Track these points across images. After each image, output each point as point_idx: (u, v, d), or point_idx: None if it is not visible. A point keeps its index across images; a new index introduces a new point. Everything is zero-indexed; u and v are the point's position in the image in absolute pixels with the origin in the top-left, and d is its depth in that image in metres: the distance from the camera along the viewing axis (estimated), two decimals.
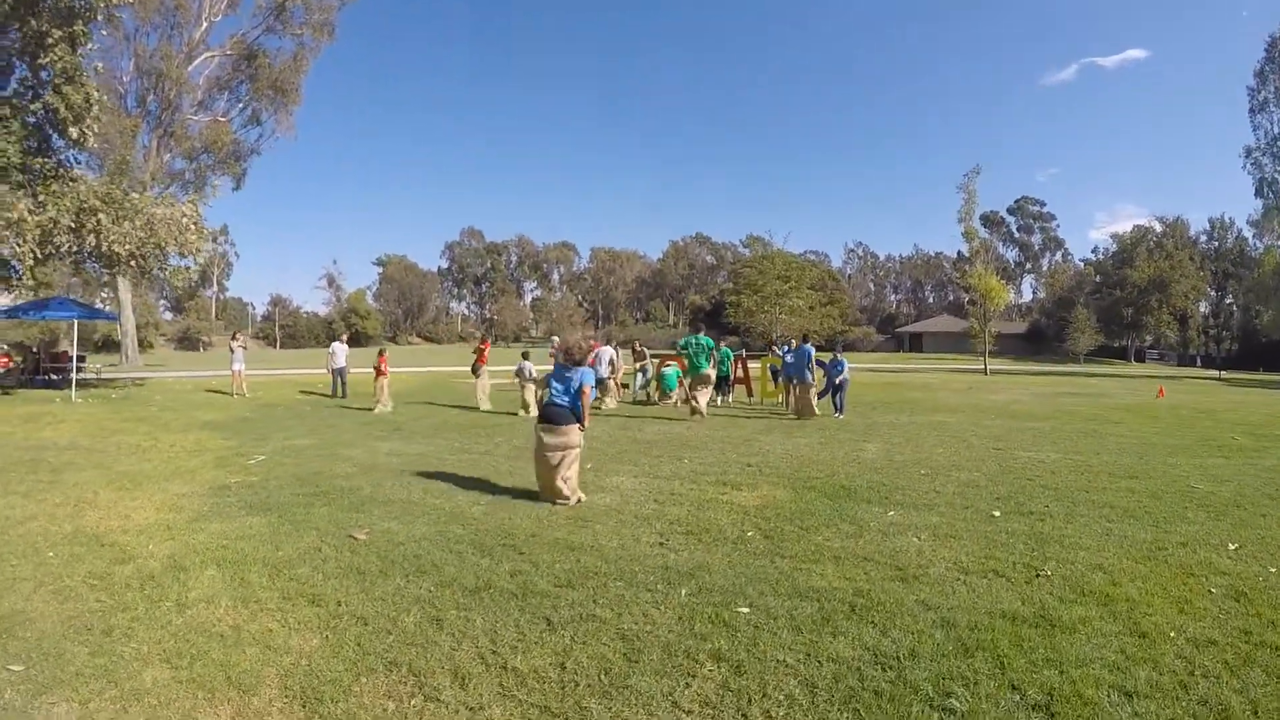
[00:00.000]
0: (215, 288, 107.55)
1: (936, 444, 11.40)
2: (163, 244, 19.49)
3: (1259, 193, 44.59)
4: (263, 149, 43.04)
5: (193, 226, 20.27)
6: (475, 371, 17.68)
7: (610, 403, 16.79)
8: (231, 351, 20.27)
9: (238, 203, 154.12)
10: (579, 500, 7.04)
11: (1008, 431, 12.99)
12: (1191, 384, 34.32)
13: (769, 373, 17.99)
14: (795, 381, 15.28)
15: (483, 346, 18.40)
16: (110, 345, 49.41)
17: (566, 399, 7.23)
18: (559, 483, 6.94)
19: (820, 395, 15.55)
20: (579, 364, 7.43)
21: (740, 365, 18.93)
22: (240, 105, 41.66)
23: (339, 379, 19.78)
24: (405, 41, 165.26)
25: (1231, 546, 5.66)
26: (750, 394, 18.88)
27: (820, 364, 15.59)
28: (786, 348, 16.40)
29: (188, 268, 22.45)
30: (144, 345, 49.73)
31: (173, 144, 39.43)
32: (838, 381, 15.27)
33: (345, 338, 21.63)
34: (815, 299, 40.82)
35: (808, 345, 15.20)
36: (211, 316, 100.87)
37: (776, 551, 5.51)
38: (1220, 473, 8.96)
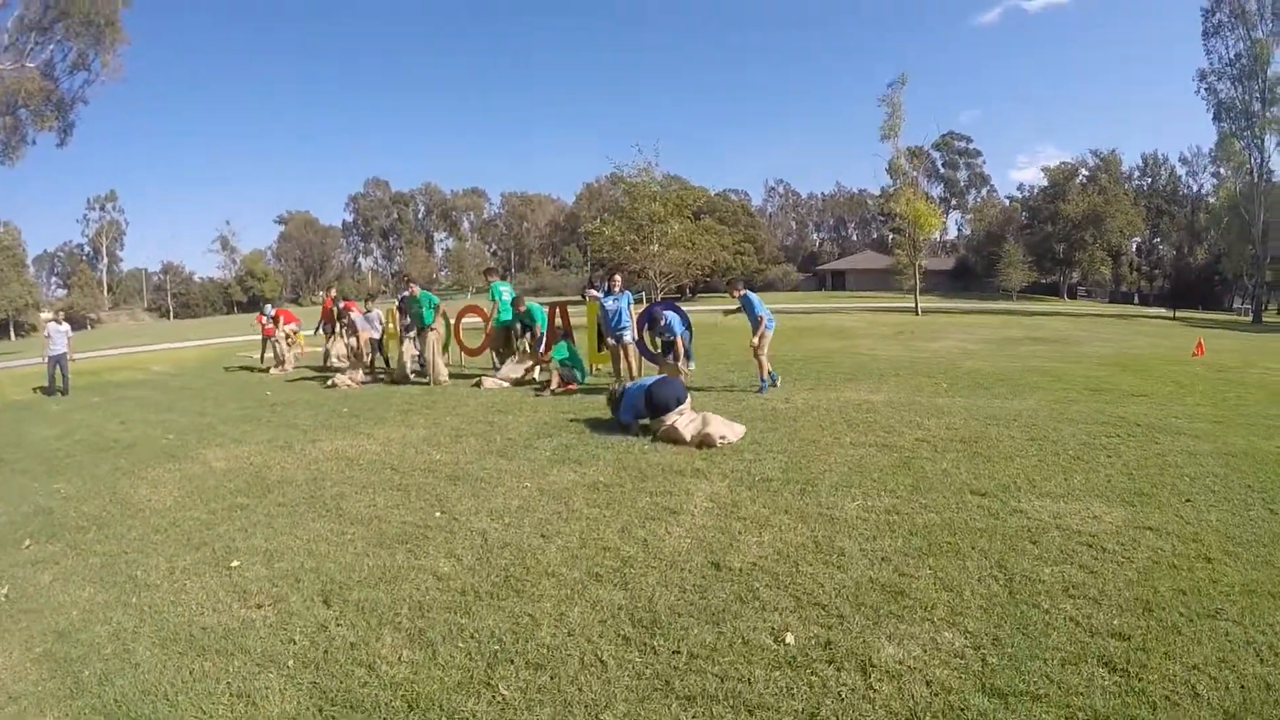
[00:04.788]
0: (105, 259, 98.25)
1: (849, 481, 5.52)
2: None
3: (1216, 116, 40.81)
4: (90, 96, 37.92)
5: None
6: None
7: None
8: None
9: (129, 166, 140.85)
10: None
11: (980, 426, 7.24)
12: (1156, 325, 30.03)
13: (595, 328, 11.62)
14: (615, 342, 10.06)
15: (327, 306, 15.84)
16: None
17: None
18: None
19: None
20: None
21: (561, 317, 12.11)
22: (52, 47, 36.32)
23: (59, 369, 14.49)
24: None
25: None
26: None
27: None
28: (605, 290, 10.47)
29: None
30: (24, 328, 43.75)
31: None
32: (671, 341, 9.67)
33: (62, 315, 15.81)
34: (695, 228, 33.13)
35: (627, 293, 10.19)
36: (103, 290, 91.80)
37: None
38: None
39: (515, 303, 11.92)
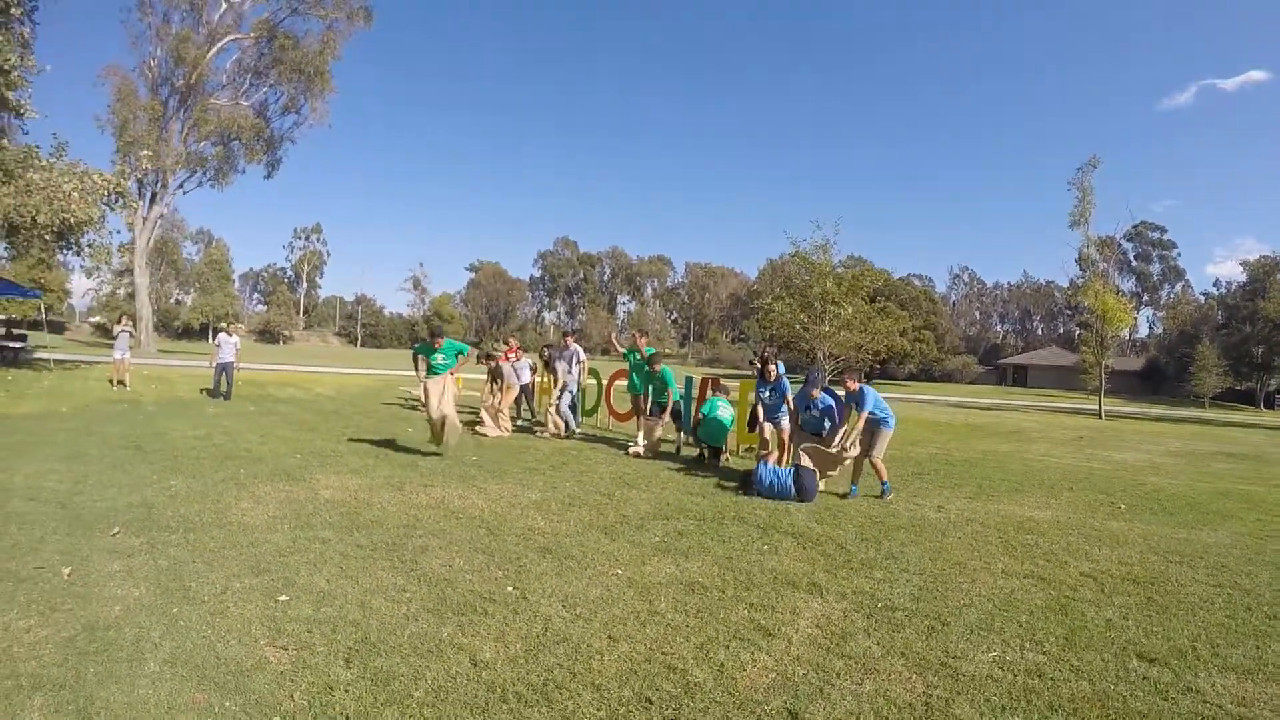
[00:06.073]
0: (305, 284, 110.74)
1: (990, 623, 4.57)
2: (37, 210, 17.98)
3: None
4: (297, 137, 43.42)
5: (75, 195, 18.62)
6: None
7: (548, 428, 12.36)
8: (115, 337, 17.64)
9: (331, 203, 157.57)
10: None
11: (1159, 563, 5.99)
12: None
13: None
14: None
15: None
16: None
17: None
18: None
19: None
20: None
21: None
22: (267, 89, 41.77)
23: (224, 376, 15.79)
24: (505, 48, 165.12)
25: None
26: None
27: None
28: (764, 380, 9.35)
29: (107, 246, 21.82)
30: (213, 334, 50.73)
31: (196, 129, 39.78)
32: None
33: (232, 329, 17.13)
34: (870, 310, 31.20)
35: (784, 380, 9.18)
36: (299, 312, 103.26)
37: None
38: None
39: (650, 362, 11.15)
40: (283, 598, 4.11)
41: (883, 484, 8.20)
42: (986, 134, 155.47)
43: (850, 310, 27.02)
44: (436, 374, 9.72)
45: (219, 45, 39.09)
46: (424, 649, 3.55)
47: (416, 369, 9.98)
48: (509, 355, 13.94)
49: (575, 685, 3.27)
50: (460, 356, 9.97)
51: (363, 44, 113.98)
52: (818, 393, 8.43)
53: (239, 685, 3.11)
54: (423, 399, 9.70)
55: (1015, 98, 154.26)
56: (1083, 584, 5.25)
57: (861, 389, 8.08)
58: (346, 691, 3.10)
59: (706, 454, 10.35)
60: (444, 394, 9.54)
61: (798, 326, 27.55)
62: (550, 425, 12.12)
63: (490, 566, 4.96)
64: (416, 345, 10.29)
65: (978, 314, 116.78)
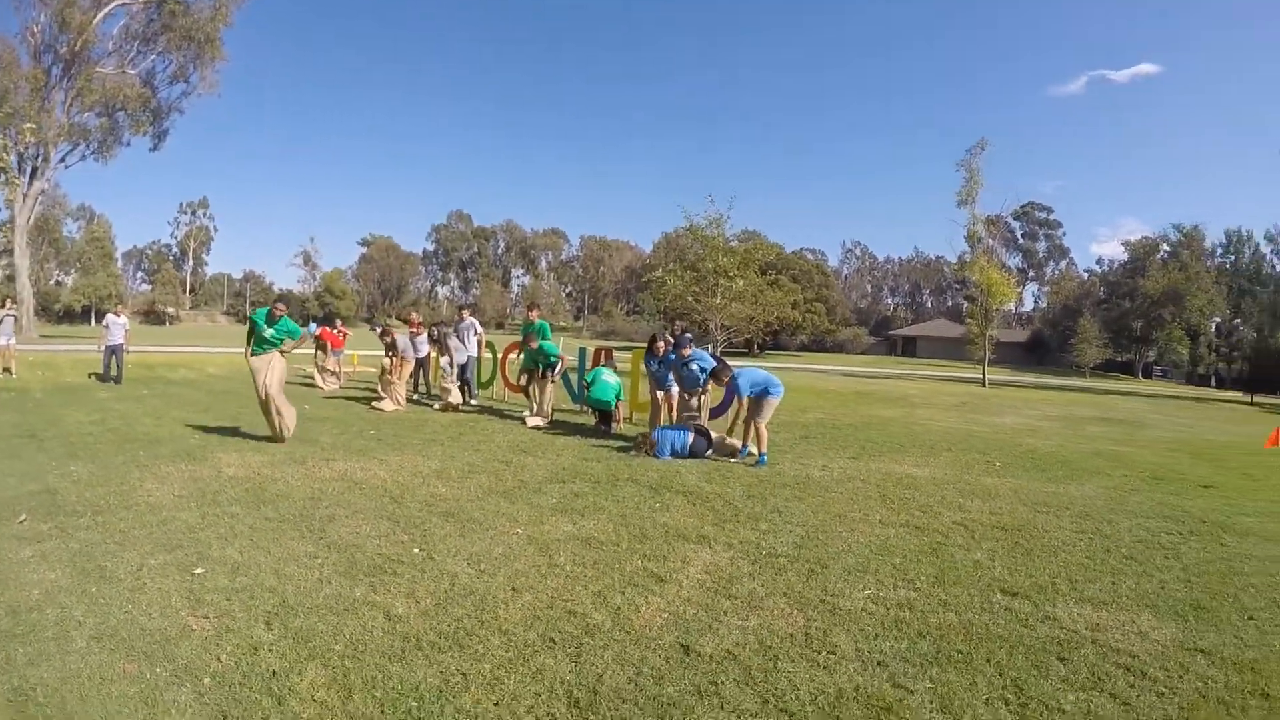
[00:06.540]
0: (191, 261, 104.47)
1: (866, 565, 5.06)
2: None
3: None
4: (186, 107, 41.21)
5: None
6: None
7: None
8: None
9: (222, 174, 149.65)
10: None
11: (1027, 512, 6.64)
12: (1232, 410, 28.23)
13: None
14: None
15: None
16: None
17: None
18: None
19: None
20: None
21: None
22: (155, 57, 39.32)
23: (114, 359, 15.18)
24: (400, 20, 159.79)
25: None
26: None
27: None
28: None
29: None
30: (105, 316, 47.35)
31: (80, 99, 37.07)
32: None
33: (120, 309, 16.59)
34: (762, 283, 32.34)
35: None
36: (185, 291, 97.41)
37: None
38: None
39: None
40: (198, 571, 4.20)
41: (760, 455, 8.43)
42: (880, 112, 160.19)
43: (742, 283, 27.89)
44: (264, 350, 8.85)
45: (106, 10, 36.45)
46: (340, 608, 3.75)
47: (247, 344, 9.01)
48: (415, 329, 14.10)
49: (484, 632, 3.55)
50: (289, 339, 9.06)
51: (254, 11, 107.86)
52: (688, 351, 9.22)
53: (166, 653, 3.22)
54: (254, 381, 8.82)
55: (911, 78, 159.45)
56: (954, 531, 5.79)
57: (734, 375, 8.68)
58: (270, 650, 3.27)
59: (598, 419, 10.89)
60: (270, 373, 8.65)
61: (690, 299, 28.24)
62: (448, 397, 12.38)
63: (396, 531, 5.16)
64: (253, 313, 9.29)
65: (869, 287, 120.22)
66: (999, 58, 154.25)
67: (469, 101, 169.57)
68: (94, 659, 3.15)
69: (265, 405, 8.60)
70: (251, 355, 8.85)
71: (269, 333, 8.79)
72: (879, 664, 3.36)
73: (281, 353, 8.92)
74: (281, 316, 8.88)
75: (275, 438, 8.61)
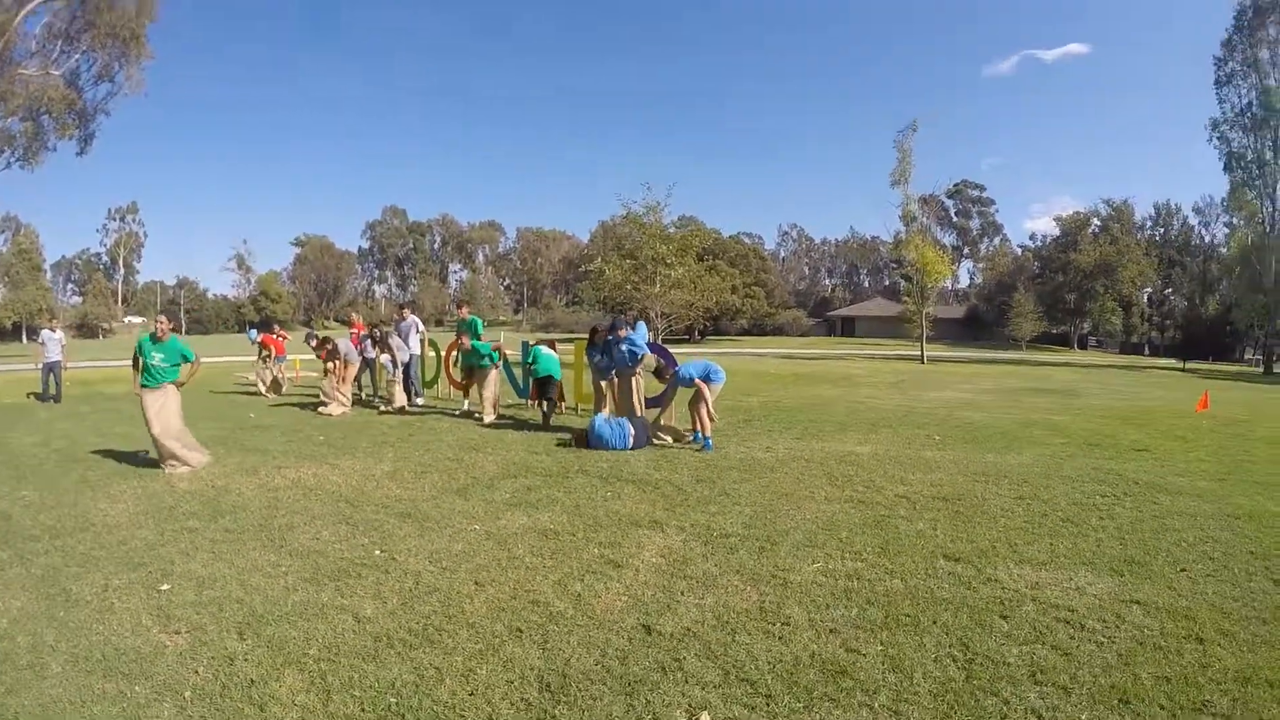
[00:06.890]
0: (122, 269, 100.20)
1: (814, 541, 5.32)
2: None
3: (1227, 167, 40.59)
4: (112, 108, 39.13)
5: None
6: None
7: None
8: None
9: (150, 180, 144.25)
10: None
11: (967, 482, 7.00)
12: (1165, 377, 29.64)
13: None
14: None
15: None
16: None
17: None
18: None
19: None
20: None
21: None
22: (79, 56, 37.24)
23: (51, 377, 14.72)
24: (322, 14, 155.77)
25: None
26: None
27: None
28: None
29: None
30: (36, 333, 45.10)
31: (3, 103, 35.16)
32: None
33: (55, 324, 16.05)
34: (700, 269, 32.73)
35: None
36: (119, 301, 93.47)
37: None
38: None
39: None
40: (164, 587, 4.25)
41: (705, 439, 8.60)
42: (815, 95, 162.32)
43: (681, 270, 28.18)
44: (154, 382, 7.75)
45: (28, 7, 34.71)
46: (309, 614, 3.86)
47: (135, 372, 7.97)
48: (356, 331, 14.09)
49: (452, 626, 3.71)
50: (186, 364, 8.00)
51: (178, 7, 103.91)
52: (624, 332, 9.44)
53: (144, 671, 3.27)
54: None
55: (846, 59, 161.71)
56: (897, 504, 6.11)
57: (676, 371, 9.09)
58: (246, 660, 3.36)
59: (545, 407, 10.96)
60: (165, 413, 7.62)
61: (629, 288, 28.45)
62: (394, 399, 12.43)
63: (356, 535, 5.27)
64: (141, 340, 8.04)
65: (806, 269, 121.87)
66: (934, 34, 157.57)
67: (400, 94, 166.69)
68: (72, 682, 3.18)
69: (157, 445, 7.60)
70: (142, 386, 7.78)
71: (158, 358, 7.76)
72: (832, 631, 3.62)
73: (178, 385, 7.95)
74: (169, 335, 7.91)
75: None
